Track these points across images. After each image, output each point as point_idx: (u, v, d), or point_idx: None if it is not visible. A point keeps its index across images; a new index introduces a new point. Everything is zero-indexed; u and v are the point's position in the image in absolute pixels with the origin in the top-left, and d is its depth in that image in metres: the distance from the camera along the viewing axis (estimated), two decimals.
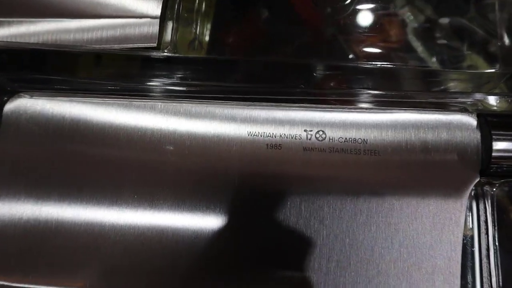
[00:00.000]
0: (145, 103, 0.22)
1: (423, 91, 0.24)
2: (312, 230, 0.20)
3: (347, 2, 0.29)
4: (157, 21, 0.24)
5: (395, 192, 0.20)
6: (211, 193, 0.21)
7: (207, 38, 0.29)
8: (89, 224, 0.21)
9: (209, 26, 0.29)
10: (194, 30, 0.29)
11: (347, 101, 0.23)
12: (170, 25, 0.26)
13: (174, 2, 0.27)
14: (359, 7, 0.28)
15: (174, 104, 0.22)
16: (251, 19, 0.29)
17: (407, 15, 0.29)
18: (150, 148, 0.22)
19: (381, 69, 0.26)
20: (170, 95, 0.25)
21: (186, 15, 0.28)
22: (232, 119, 0.21)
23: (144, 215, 0.21)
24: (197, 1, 0.29)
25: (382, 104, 0.23)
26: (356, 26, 0.28)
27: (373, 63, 0.27)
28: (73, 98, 0.23)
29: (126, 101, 0.23)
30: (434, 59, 0.27)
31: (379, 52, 0.27)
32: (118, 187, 0.22)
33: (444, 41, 0.27)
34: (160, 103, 0.22)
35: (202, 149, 0.21)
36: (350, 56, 0.28)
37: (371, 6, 0.28)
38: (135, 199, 0.22)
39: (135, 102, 0.22)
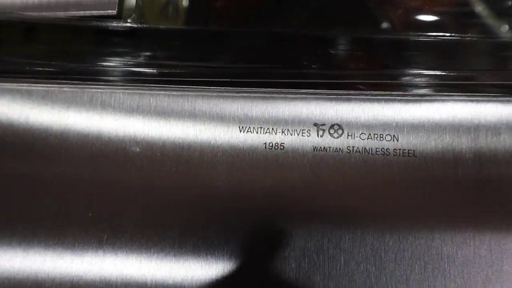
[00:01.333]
0: (101, 91, 0.26)
1: (485, 71, 0.27)
2: (326, 257, 0.24)
3: None
4: None
5: (437, 208, 0.24)
6: (191, 213, 0.25)
7: (184, 2, 0.33)
8: (21, 271, 0.25)
9: None
10: None
11: (374, 86, 0.27)
12: None
13: None
14: None
15: (140, 92, 0.26)
16: None
17: None
18: (109, 151, 0.26)
19: (427, 42, 0.30)
20: (135, 80, 0.29)
21: None
22: (219, 110, 0.25)
23: (98, 252, 0.25)
24: None
25: (423, 89, 0.26)
26: None
27: (416, 34, 0.31)
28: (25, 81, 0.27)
29: (76, 88, 0.27)
30: (505, 27, 0.31)
31: (426, 19, 0.31)
32: (62, 212, 0.25)
33: None
34: (122, 91, 0.26)
35: (179, 152, 0.25)
36: (384, 25, 0.31)
37: None
38: (83, 232, 0.25)
39: (88, 90, 0.26)
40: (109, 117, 0.26)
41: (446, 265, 0.24)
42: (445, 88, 0.28)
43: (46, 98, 0.27)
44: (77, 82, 0.28)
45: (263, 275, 0.24)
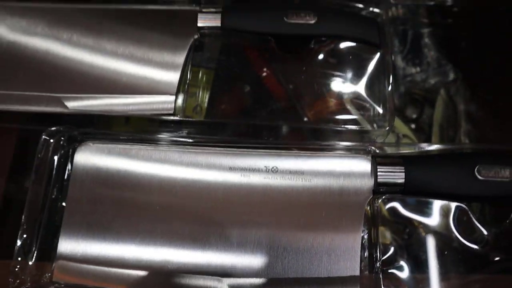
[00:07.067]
0: (160, 150, 0.42)
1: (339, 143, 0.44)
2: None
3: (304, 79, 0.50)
4: (173, 97, 0.45)
5: (317, 199, 0.39)
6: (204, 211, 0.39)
7: (205, 104, 0.49)
8: (139, 260, 0.36)
9: (207, 96, 0.50)
10: (197, 99, 0.50)
11: (295, 148, 0.44)
12: (181, 97, 0.45)
13: (185, 81, 0.46)
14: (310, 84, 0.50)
15: (180, 152, 0.41)
16: (237, 91, 0.50)
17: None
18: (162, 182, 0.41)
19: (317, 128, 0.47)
20: (178, 145, 0.41)
21: (192, 89, 0.50)
22: (219, 158, 0.42)
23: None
24: (200, 79, 0.51)
25: (313, 150, 0.42)
26: (308, 96, 0.49)
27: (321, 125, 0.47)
28: (117, 145, 0.43)
29: (151, 148, 0.42)
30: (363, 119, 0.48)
31: (323, 116, 0.49)
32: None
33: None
34: (168, 151, 0.40)
35: (197, 184, 0.40)
36: (305, 119, 0.49)
37: (319, 84, 0.50)
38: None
39: (156, 151, 0.42)
40: (158, 167, 0.41)
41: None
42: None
43: (136, 154, 0.42)
44: (152, 144, 0.43)
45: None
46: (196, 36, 0.44)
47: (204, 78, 0.50)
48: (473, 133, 0.51)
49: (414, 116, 0.55)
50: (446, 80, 0.54)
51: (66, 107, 0.42)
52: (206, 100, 0.49)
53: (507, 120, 0.48)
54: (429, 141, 0.52)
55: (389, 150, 0.41)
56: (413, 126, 0.54)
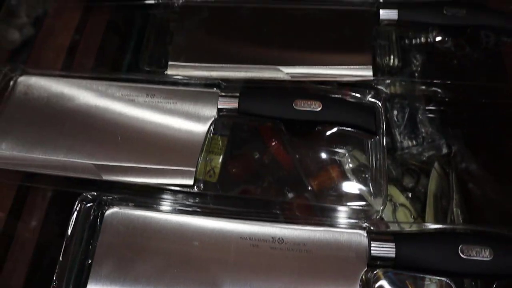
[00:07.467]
0: (178, 217, 0.48)
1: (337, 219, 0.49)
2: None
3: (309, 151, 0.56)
4: (194, 169, 0.51)
5: (317, 269, 0.44)
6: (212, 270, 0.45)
7: (218, 169, 0.56)
8: None
9: (220, 160, 0.57)
10: (210, 163, 0.56)
11: (300, 220, 0.49)
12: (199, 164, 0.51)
13: (206, 151, 0.52)
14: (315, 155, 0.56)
15: (197, 220, 0.47)
16: (247, 158, 0.55)
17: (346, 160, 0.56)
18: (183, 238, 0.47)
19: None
20: (195, 213, 0.48)
21: (207, 157, 0.56)
22: (232, 228, 0.47)
23: None
24: (214, 145, 0.57)
25: (315, 224, 0.48)
26: (312, 167, 0.55)
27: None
28: (140, 211, 0.49)
29: (169, 215, 0.49)
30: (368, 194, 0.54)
31: (326, 186, 0.54)
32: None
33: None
34: (185, 218, 0.47)
35: (213, 242, 0.47)
36: (309, 188, 0.55)
37: (323, 156, 0.56)
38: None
39: (174, 217, 0.48)
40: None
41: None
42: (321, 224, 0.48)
43: (162, 218, 0.48)
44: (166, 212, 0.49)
45: None
46: (216, 116, 0.50)
47: (219, 145, 0.55)
48: (464, 205, 0.56)
49: (411, 185, 0.60)
50: (439, 154, 0.60)
51: (99, 175, 0.48)
52: (219, 163, 0.53)
53: (497, 196, 0.53)
54: (424, 210, 0.57)
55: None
56: (409, 195, 0.59)
